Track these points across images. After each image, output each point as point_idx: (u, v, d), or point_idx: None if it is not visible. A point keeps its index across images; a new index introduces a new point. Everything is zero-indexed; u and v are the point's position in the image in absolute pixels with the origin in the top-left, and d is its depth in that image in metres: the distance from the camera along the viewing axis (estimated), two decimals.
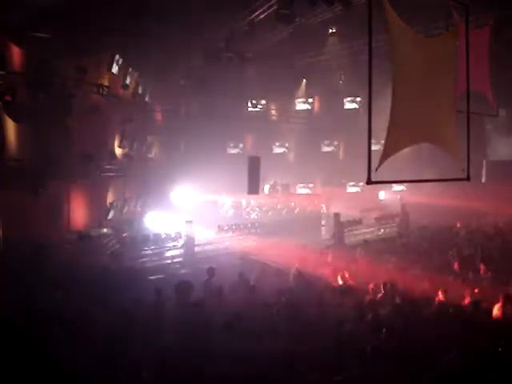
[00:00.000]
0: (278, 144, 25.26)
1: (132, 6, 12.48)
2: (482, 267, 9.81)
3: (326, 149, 25.21)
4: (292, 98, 24.67)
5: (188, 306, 7.65)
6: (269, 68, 19.75)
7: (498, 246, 12.40)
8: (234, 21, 14.23)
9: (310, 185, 25.03)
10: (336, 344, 6.11)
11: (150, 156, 19.41)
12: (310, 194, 24.41)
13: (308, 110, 25.15)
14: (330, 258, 11.89)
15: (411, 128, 5.65)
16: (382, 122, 5.43)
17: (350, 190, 24.41)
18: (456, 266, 10.49)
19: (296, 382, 5.46)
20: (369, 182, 5.22)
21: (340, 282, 9.50)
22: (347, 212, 18.72)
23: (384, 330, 6.29)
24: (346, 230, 17.22)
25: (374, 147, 5.20)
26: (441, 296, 8.25)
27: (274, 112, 24.64)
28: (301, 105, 25.11)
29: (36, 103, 11.57)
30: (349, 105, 24.34)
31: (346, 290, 8.57)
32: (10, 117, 11.53)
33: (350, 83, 21.90)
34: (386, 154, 5.39)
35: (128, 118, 16.80)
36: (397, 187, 23.17)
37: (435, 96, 5.88)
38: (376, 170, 5.16)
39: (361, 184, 23.53)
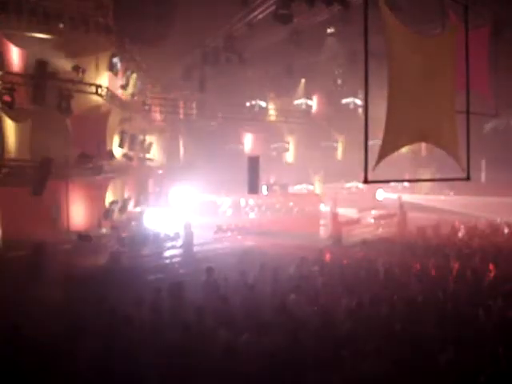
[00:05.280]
0: (277, 144, 25.23)
1: (131, 6, 12.52)
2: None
3: (324, 148, 25.19)
4: (291, 97, 24.65)
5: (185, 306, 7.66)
6: (268, 68, 19.75)
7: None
8: (232, 21, 14.24)
9: (309, 184, 25.01)
10: (335, 343, 6.12)
11: (149, 156, 19.42)
12: (308, 194, 24.38)
13: (307, 109, 25.14)
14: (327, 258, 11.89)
15: (409, 127, 5.64)
16: (380, 122, 5.43)
17: (349, 189, 24.39)
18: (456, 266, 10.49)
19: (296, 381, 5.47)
20: (365, 181, 5.20)
21: None
22: (346, 211, 18.75)
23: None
24: (344, 229, 17.23)
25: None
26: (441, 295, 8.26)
27: (273, 112, 24.62)
28: (300, 104, 25.08)
29: (35, 103, 11.58)
30: (348, 104, 24.33)
31: None
32: (10, 117, 11.56)
33: (348, 83, 21.92)
34: (383, 154, 5.39)
35: (127, 118, 16.78)
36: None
37: (433, 96, 5.87)
38: (373, 169, 5.14)
39: (359, 183, 23.51)
